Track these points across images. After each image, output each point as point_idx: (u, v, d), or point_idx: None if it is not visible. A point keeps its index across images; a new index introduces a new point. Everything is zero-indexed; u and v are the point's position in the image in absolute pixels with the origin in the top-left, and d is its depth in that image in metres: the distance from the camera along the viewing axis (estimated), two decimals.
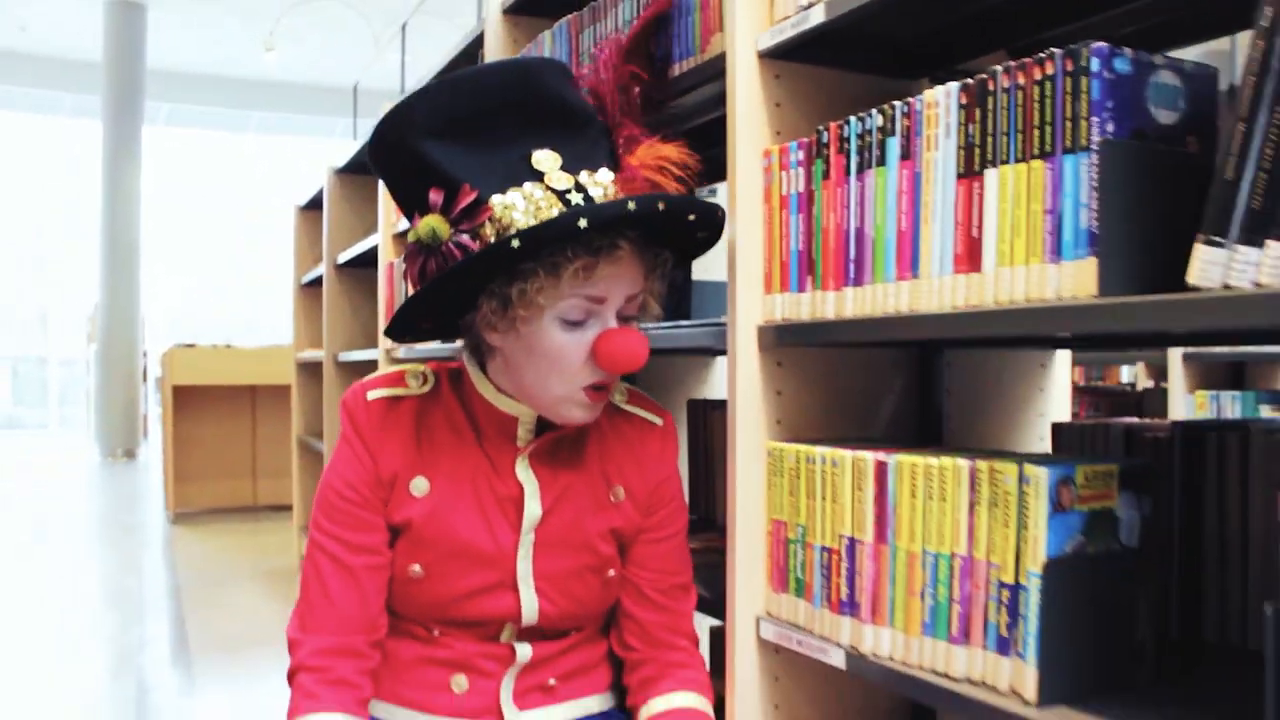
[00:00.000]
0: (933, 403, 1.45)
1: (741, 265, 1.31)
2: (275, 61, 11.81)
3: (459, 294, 1.15)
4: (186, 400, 6.25)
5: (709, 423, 2.03)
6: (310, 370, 4.70)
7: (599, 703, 1.31)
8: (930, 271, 1.06)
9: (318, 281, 4.41)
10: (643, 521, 1.29)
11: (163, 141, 14.20)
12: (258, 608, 4.19)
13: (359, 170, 3.92)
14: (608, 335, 1.14)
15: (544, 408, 1.20)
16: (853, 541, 1.16)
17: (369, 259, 3.66)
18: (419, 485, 1.21)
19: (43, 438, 14.11)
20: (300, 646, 1.19)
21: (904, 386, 1.43)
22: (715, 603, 1.40)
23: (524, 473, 1.23)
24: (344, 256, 3.81)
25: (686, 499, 2.01)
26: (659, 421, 1.33)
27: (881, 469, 1.12)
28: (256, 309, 15.36)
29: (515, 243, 1.06)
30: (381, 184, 3.24)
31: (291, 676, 1.20)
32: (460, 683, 1.24)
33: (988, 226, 0.99)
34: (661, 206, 1.11)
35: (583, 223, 1.07)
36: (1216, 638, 1.17)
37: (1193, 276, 0.80)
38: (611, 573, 1.27)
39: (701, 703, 1.27)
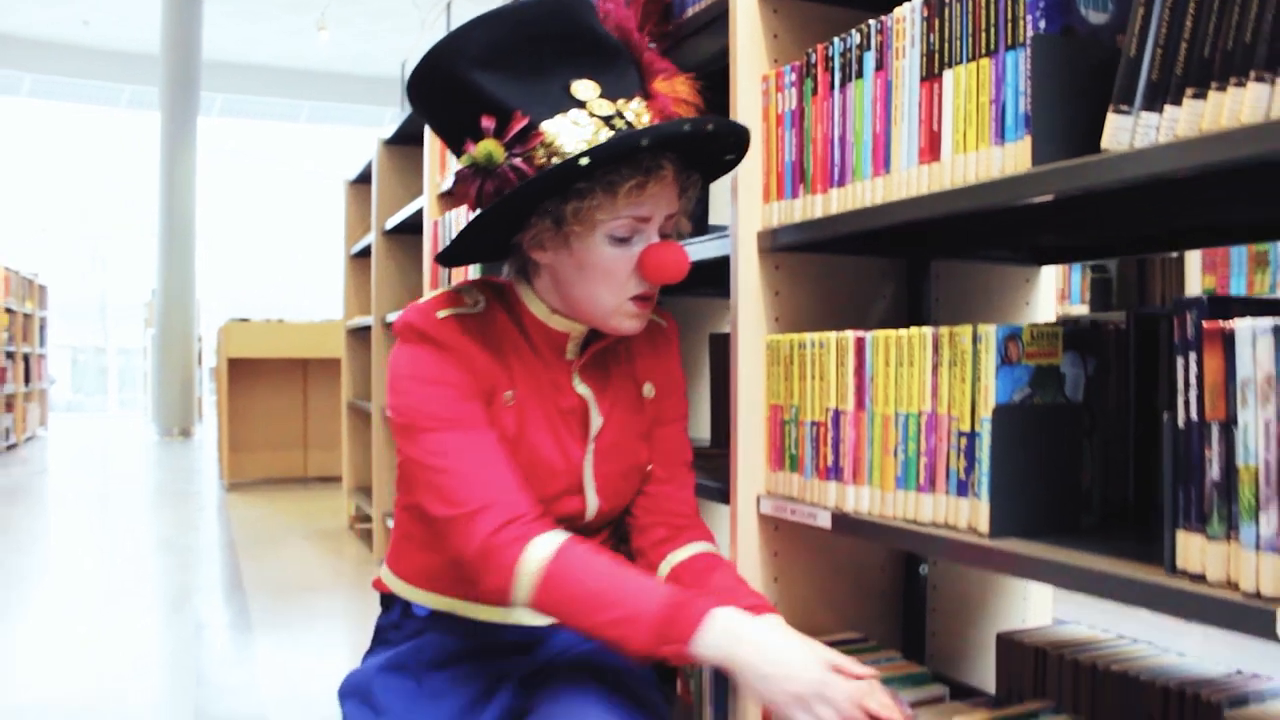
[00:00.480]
0: (921, 313, 1.59)
1: (743, 179, 1.46)
2: (327, 47, 12.11)
3: (512, 215, 1.24)
4: (241, 374, 6.51)
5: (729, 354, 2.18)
6: (359, 337, 4.91)
7: None
8: (900, 165, 1.21)
9: (366, 252, 4.61)
10: (657, 411, 1.41)
11: (217, 132, 14.63)
12: (308, 559, 4.41)
13: (406, 141, 4.12)
14: (653, 249, 1.21)
15: (595, 320, 1.27)
16: (837, 413, 1.31)
17: (414, 226, 3.85)
18: (509, 396, 1.28)
19: (102, 419, 14.55)
20: (474, 523, 1.18)
21: (893, 294, 1.57)
22: (723, 490, 1.55)
23: (581, 387, 1.32)
24: (391, 222, 4.00)
25: (709, 421, 2.18)
26: (664, 324, 1.44)
27: (860, 344, 1.27)
28: (303, 296, 15.72)
29: (584, 160, 1.13)
30: (427, 148, 3.42)
31: (484, 555, 1.19)
32: None
33: (946, 120, 1.14)
34: (710, 128, 1.20)
35: (645, 141, 1.15)
36: None
37: (1105, 142, 0.94)
38: (649, 467, 1.39)
39: (715, 549, 1.38)
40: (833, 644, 1.45)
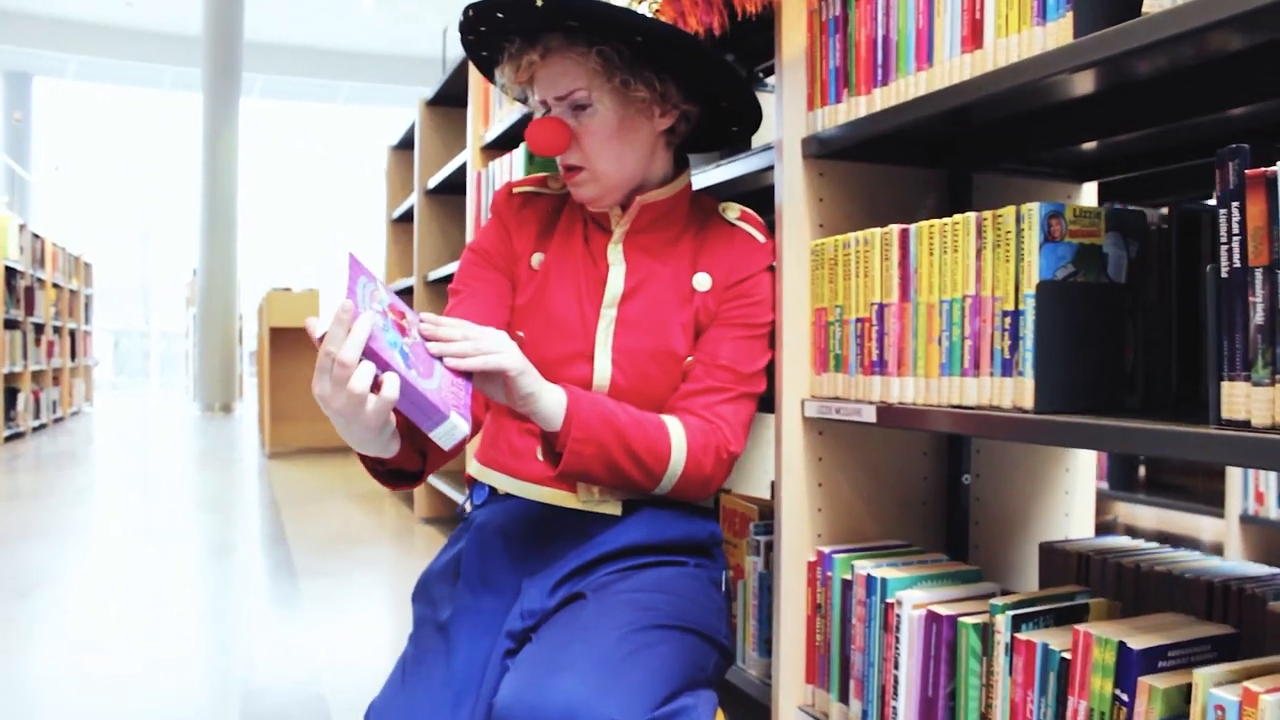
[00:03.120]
0: None
1: (788, 88, 1.48)
2: (366, 28, 12.22)
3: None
4: (283, 345, 6.61)
5: None
6: (401, 299, 4.97)
7: None
8: (943, 57, 1.23)
9: (407, 216, 4.67)
10: (715, 309, 1.41)
11: (258, 113, 14.85)
12: (350, 515, 4.49)
13: (448, 102, 4.16)
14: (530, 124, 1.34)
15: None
16: (881, 307, 1.34)
17: (455, 186, 3.89)
18: (536, 260, 1.43)
19: (145, 397, 14.78)
20: None
21: (935, 206, 1.59)
22: (769, 398, 1.58)
23: (614, 255, 1.41)
24: (433, 182, 4.05)
25: None
26: (762, 239, 1.45)
27: (905, 235, 1.30)
28: (340, 273, 15.95)
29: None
30: (471, 102, 3.47)
31: None
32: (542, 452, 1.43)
33: (988, 6, 1.16)
34: (539, 3, 1.24)
35: (469, 12, 1.30)
36: None
37: (1147, 7, 0.97)
38: (689, 359, 1.39)
39: (673, 424, 1.34)
40: (878, 549, 1.48)
